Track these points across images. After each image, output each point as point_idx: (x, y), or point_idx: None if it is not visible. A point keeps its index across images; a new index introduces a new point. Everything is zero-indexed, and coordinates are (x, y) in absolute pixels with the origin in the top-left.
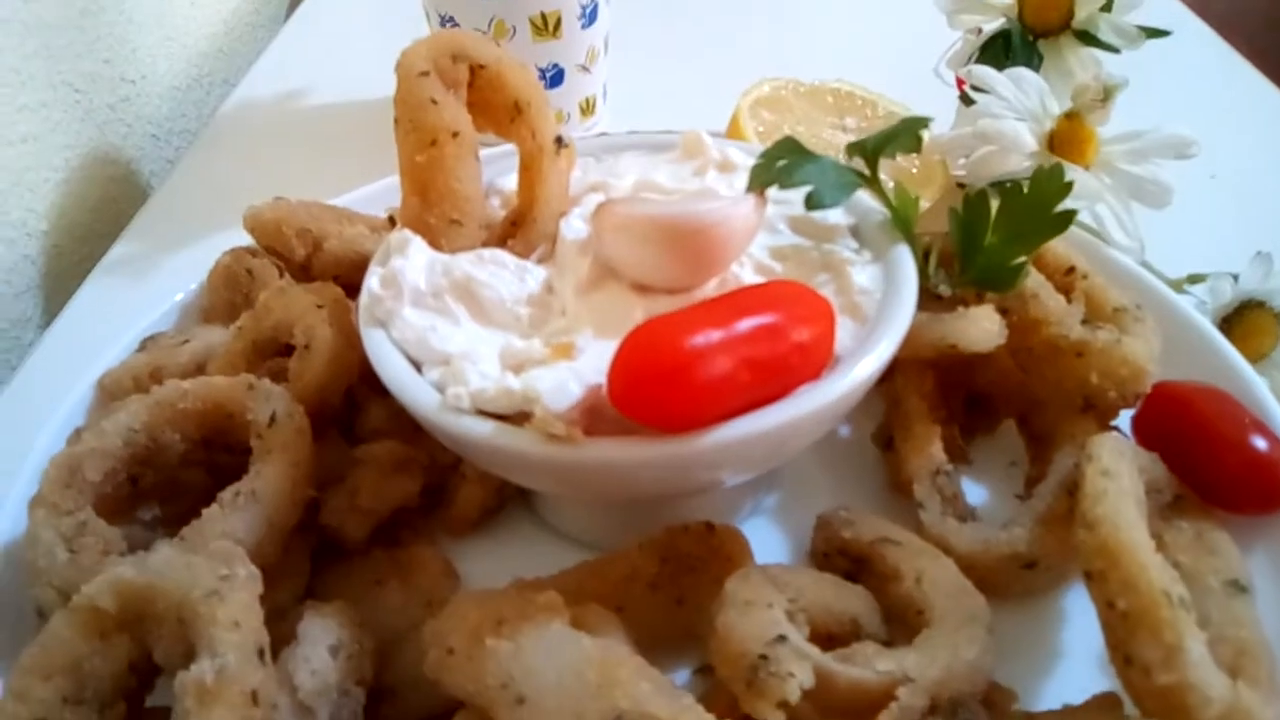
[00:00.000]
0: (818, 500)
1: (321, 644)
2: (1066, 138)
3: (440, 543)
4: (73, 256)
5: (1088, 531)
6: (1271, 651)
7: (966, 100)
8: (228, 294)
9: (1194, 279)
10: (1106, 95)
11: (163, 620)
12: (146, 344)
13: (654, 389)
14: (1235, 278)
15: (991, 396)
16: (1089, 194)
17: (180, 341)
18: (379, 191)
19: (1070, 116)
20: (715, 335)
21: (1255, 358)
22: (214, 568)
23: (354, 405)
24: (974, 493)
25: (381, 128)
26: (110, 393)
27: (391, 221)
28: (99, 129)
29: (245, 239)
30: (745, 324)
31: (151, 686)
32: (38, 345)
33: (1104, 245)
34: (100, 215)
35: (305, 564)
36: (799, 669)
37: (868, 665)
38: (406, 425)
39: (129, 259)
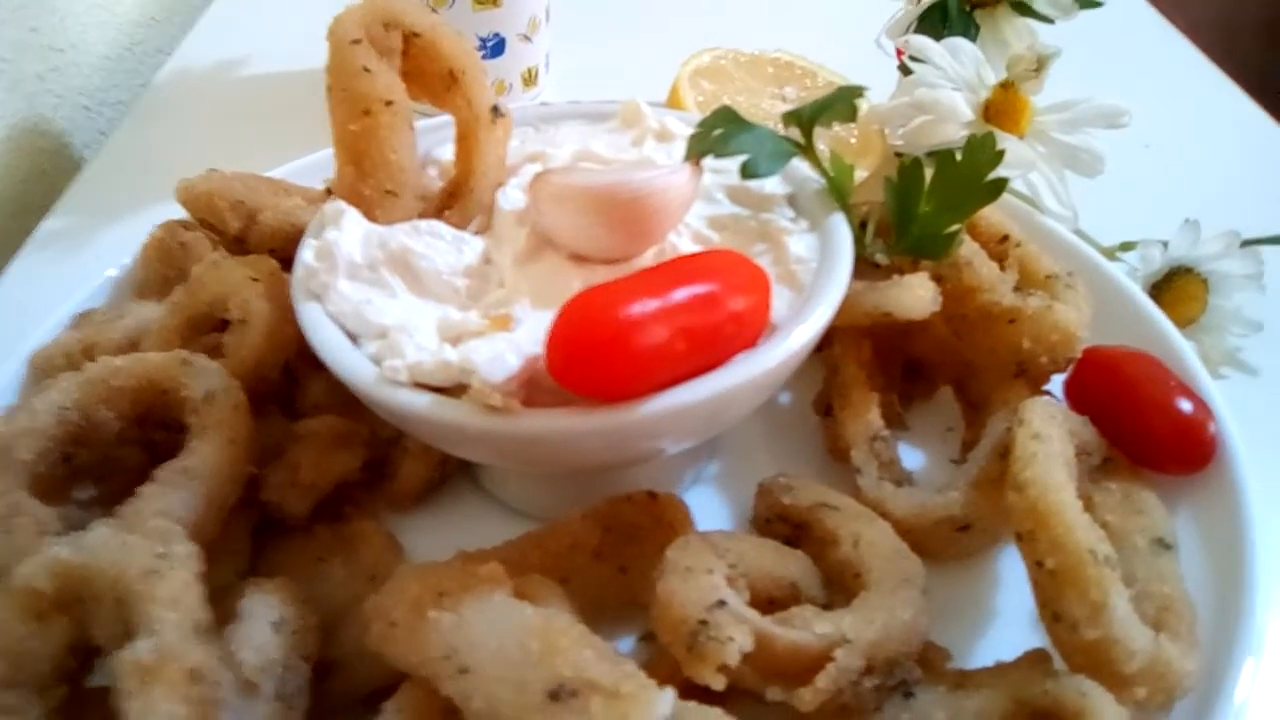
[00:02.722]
0: (758, 467)
1: (264, 620)
2: (1002, 107)
3: (383, 517)
4: (2, 231)
5: (1018, 493)
6: (1193, 606)
7: (905, 70)
8: (161, 268)
9: (1126, 246)
10: (1040, 65)
11: (100, 600)
12: (79, 320)
13: (591, 359)
14: (1165, 245)
15: (928, 363)
16: (1023, 162)
17: (114, 318)
18: (316, 163)
19: (1005, 86)
20: (651, 305)
21: (1184, 323)
22: (151, 546)
23: (293, 380)
24: (912, 458)
25: (320, 98)
26: (42, 370)
27: (328, 193)
28: (27, 99)
29: (180, 212)
30: (681, 293)
31: (92, 667)
32: None
33: (1038, 213)
34: (31, 188)
35: (246, 541)
36: (738, 633)
37: (806, 628)
38: (347, 399)
39: (61, 233)
